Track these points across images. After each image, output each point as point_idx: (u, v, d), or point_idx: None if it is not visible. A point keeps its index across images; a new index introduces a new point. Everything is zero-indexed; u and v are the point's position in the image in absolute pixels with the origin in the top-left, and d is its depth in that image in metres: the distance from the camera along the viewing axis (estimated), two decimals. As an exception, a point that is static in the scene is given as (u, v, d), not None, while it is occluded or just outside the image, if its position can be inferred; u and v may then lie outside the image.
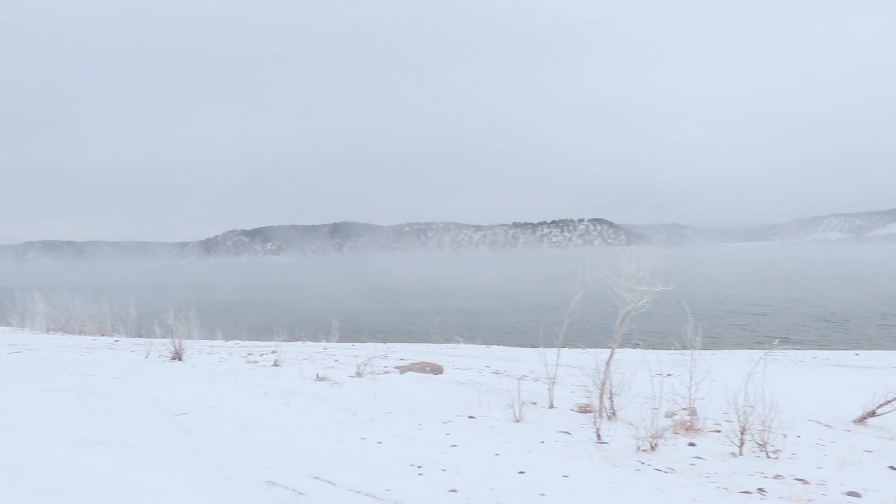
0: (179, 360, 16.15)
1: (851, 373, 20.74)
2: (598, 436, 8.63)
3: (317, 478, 6.59)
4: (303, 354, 18.83)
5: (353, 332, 30.71)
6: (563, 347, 11.18)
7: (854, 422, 10.84)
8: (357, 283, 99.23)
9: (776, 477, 7.41)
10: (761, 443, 8.29)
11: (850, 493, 6.87)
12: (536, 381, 13.63)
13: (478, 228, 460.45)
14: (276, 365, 15.47)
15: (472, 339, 28.27)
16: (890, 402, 10.63)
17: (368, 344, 23.90)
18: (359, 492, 6.22)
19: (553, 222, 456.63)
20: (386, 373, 14.43)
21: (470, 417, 9.89)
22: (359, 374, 13.70)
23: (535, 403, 10.79)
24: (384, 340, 28.74)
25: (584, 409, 10.46)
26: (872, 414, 10.78)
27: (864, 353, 27.56)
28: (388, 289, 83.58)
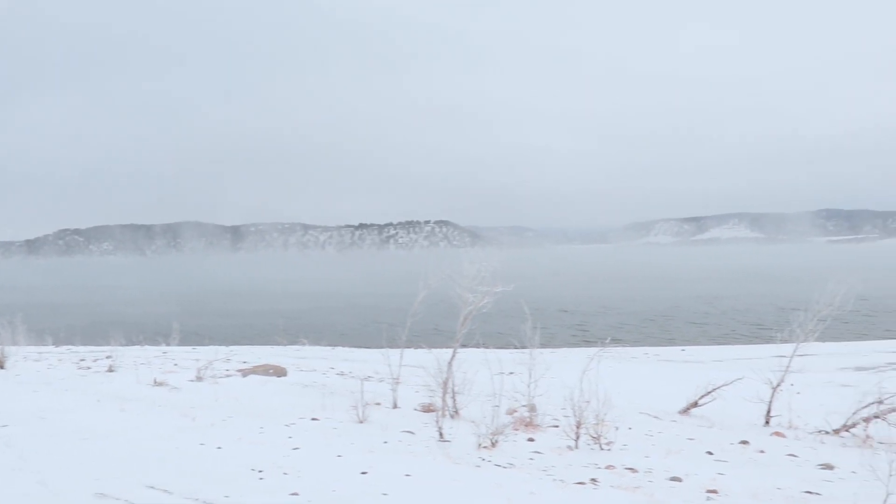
0: (2, 368, 15.13)
1: (678, 367, 22.12)
2: (441, 434, 8.78)
3: (151, 487, 6.36)
4: (141, 359, 18.08)
5: (195, 335, 29.78)
6: (406, 348, 11.29)
7: (679, 413, 11.60)
8: (198, 285, 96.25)
9: (608, 467, 7.81)
10: (595, 436, 8.71)
11: (673, 479, 7.36)
12: (381, 381, 13.70)
13: (324, 229, 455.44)
14: (110, 370, 14.80)
15: (317, 340, 28.03)
16: (710, 393, 11.47)
17: (210, 347, 23.26)
18: (196, 499, 6.05)
19: (399, 224, 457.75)
20: (228, 376, 14.12)
21: (313, 419, 9.83)
22: (199, 378, 13.32)
23: (379, 404, 10.85)
24: (227, 343, 28.07)
25: (428, 409, 10.61)
26: (695, 405, 11.60)
27: (689, 349, 29.46)
28: (232, 291, 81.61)
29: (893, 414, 10.05)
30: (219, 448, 7.91)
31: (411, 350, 11.31)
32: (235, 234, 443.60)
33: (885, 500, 6.47)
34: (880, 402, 10.17)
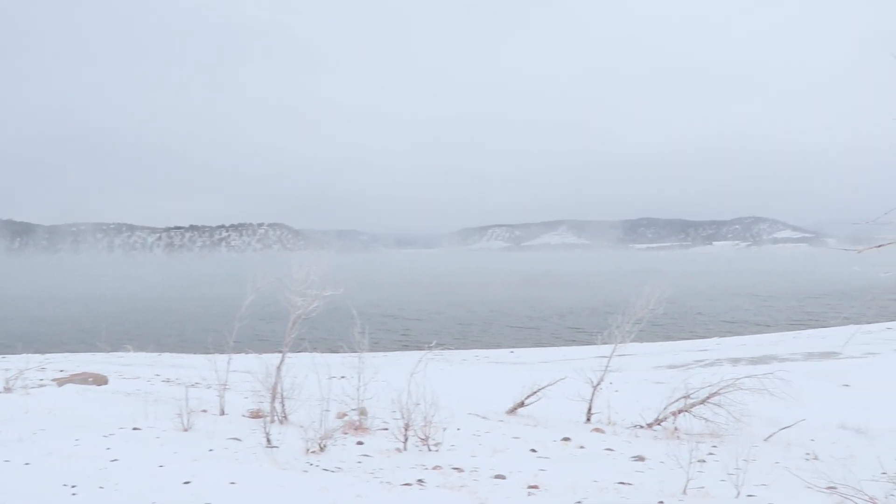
0: None
1: (507, 369, 22.86)
2: (269, 440, 8.64)
3: (-53, 508, 5.89)
4: (-61, 370, 16.66)
5: (4, 342, 27.80)
6: (234, 353, 11.03)
7: (507, 413, 12.01)
8: (10, 288, 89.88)
9: (435, 468, 7.97)
10: (423, 437, 8.87)
11: (498, 476, 7.64)
12: (208, 388, 13.32)
13: (152, 230, 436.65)
14: None
15: (142, 346, 27.01)
16: (535, 393, 11.96)
17: (22, 355, 21.72)
18: (0, 518, 5.68)
19: (232, 226, 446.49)
20: (42, 386, 13.29)
21: (135, 429, 9.41)
22: (8, 389, 12.44)
23: (205, 411, 10.54)
24: (42, 351, 26.42)
25: (256, 415, 10.42)
26: (522, 405, 12.05)
27: (517, 351, 30.52)
28: (49, 295, 76.73)
29: (697, 407, 10.89)
30: (27, 464, 7.42)
31: (240, 355, 11.07)
32: (53, 234, 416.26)
33: (686, 485, 7.04)
34: (686, 397, 11.01)
